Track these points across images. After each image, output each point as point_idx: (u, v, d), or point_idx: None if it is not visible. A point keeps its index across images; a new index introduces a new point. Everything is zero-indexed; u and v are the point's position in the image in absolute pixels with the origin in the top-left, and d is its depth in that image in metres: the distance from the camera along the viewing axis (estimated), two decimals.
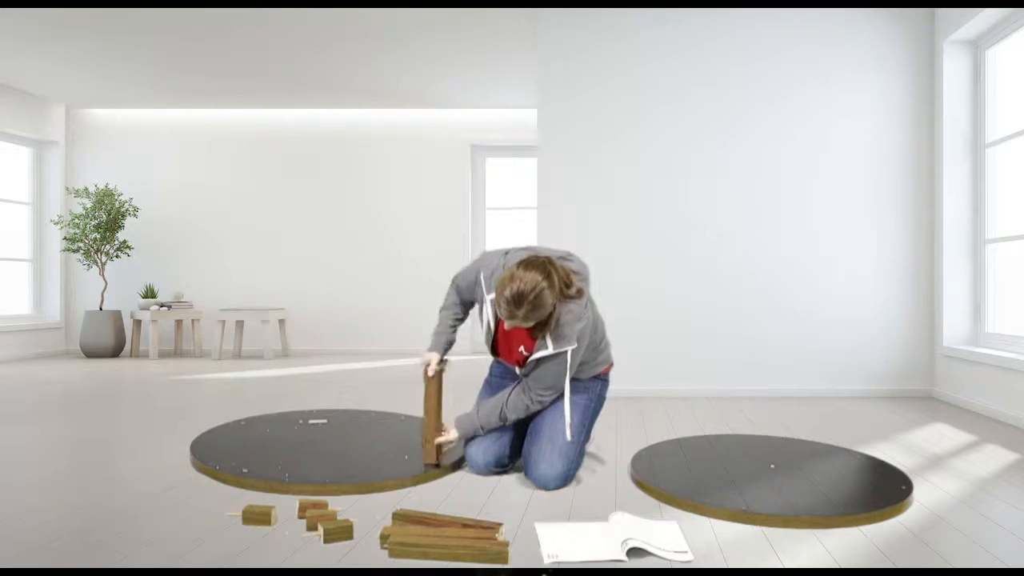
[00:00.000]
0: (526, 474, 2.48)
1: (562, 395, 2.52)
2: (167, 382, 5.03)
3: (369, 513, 2.15)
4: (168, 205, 7.14)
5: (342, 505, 2.23)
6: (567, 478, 2.44)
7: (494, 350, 2.65)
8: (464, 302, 2.72)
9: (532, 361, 2.44)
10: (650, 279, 4.50)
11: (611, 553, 1.81)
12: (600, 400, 2.69)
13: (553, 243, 4.52)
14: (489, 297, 2.50)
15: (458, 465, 2.64)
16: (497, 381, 2.78)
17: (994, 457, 2.90)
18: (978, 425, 3.55)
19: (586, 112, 4.53)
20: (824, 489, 2.34)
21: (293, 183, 7.10)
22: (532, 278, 2.24)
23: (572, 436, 2.48)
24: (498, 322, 2.56)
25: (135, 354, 6.80)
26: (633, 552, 1.83)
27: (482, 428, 2.55)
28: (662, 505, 2.26)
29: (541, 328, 2.39)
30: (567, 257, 2.48)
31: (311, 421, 3.33)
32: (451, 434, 2.58)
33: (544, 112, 4.55)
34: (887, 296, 4.45)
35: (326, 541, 1.89)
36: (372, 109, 7.03)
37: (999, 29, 4.02)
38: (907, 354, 4.44)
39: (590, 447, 3.06)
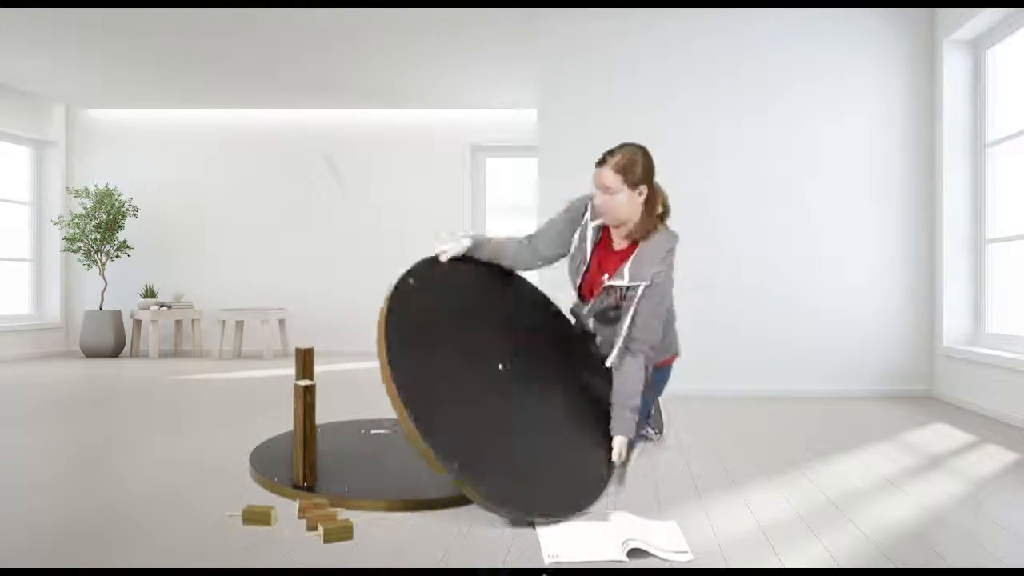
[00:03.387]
0: None
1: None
2: (167, 382, 5.03)
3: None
4: (168, 205, 7.13)
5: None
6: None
7: (580, 288, 2.66)
8: (531, 255, 2.68)
9: (607, 287, 2.49)
10: None
11: (611, 553, 1.81)
12: (658, 390, 2.72)
13: None
14: (594, 224, 2.61)
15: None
16: None
17: (994, 457, 2.90)
18: (978, 425, 3.55)
19: (586, 112, 4.53)
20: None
21: (293, 183, 7.10)
22: (633, 147, 2.54)
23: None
24: (593, 254, 2.61)
25: (135, 354, 6.80)
26: (633, 553, 1.83)
27: (633, 415, 2.45)
28: (662, 505, 2.26)
29: (629, 228, 2.52)
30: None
31: (373, 431, 3.13)
32: (625, 445, 2.43)
33: (544, 112, 4.55)
34: (887, 296, 4.45)
35: (326, 541, 1.89)
36: (372, 109, 7.02)
37: (999, 29, 4.02)
38: (907, 354, 4.44)
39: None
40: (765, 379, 4.47)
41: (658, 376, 2.70)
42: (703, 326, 4.48)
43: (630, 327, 2.45)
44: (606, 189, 2.50)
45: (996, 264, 4.14)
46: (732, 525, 2.07)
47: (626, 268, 2.45)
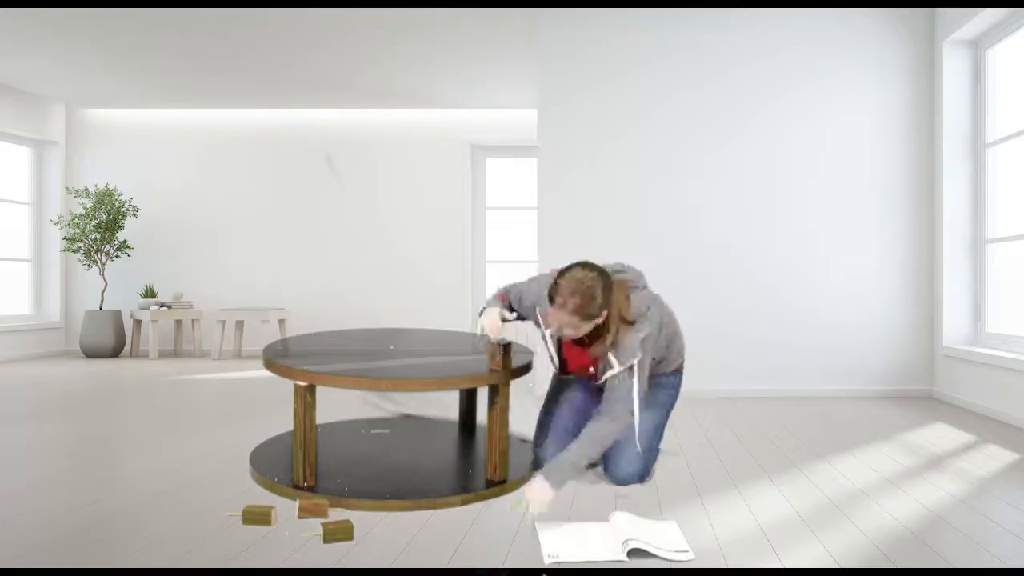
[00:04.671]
0: (604, 471, 2.55)
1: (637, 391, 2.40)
2: (167, 382, 5.03)
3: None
4: (168, 205, 7.13)
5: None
6: (646, 474, 2.53)
7: (563, 369, 2.62)
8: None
9: (607, 380, 2.35)
10: (650, 279, 4.48)
11: (611, 553, 1.81)
12: (676, 395, 2.73)
13: (553, 243, 4.52)
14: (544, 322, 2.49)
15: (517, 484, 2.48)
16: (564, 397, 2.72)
17: (994, 457, 2.90)
18: (978, 425, 3.55)
19: (586, 112, 4.53)
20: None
21: (293, 183, 7.10)
22: (588, 274, 2.25)
23: (648, 436, 2.55)
24: (561, 345, 2.54)
25: (135, 354, 6.80)
26: (634, 552, 1.83)
27: (582, 465, 2.25)
28: (662, 505, 2.26)
29: (599, 342, 2.33)
30: (620, 268, 2.51)
31: (373, 431, 3.14)
32: (544, 495, 2.11)
33: (544, 112, 4.55)
34: (887, 296, 4.45)
35: (326, 541, 1.89)
36: (372, 109, 7.02)
37: (999, 29, 4.02)
38: (907, 354, 4.44)
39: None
40: (765, 379, 4.47)
41: (672, 380, 2.73)
42: (704, 327, 4.48)
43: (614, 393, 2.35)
44: (563, 327, 2.28)
45: (996, 264, 4.14)
46: (732, 525, 2.07)
47: (612, 359, 2.31)
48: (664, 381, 2.70)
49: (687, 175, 4.49)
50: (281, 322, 6.82)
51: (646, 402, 2.53)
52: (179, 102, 6.83)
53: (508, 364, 2.43)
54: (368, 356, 2.64)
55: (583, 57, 4.54)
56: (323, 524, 1.92)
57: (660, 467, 2.73)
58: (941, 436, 3.29)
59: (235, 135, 7.11)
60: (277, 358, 2.47)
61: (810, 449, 3.02)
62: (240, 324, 6.75)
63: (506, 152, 7.16)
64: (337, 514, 2.14)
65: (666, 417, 2.69)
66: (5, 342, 6.38)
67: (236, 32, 4.94)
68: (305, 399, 2.32)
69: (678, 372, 2.76)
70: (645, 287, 2.55)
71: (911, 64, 4.45)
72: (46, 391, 4.59)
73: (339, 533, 1.91)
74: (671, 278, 4.50)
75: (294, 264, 7.09)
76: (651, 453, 2.56)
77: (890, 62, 4.46)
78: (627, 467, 2.48)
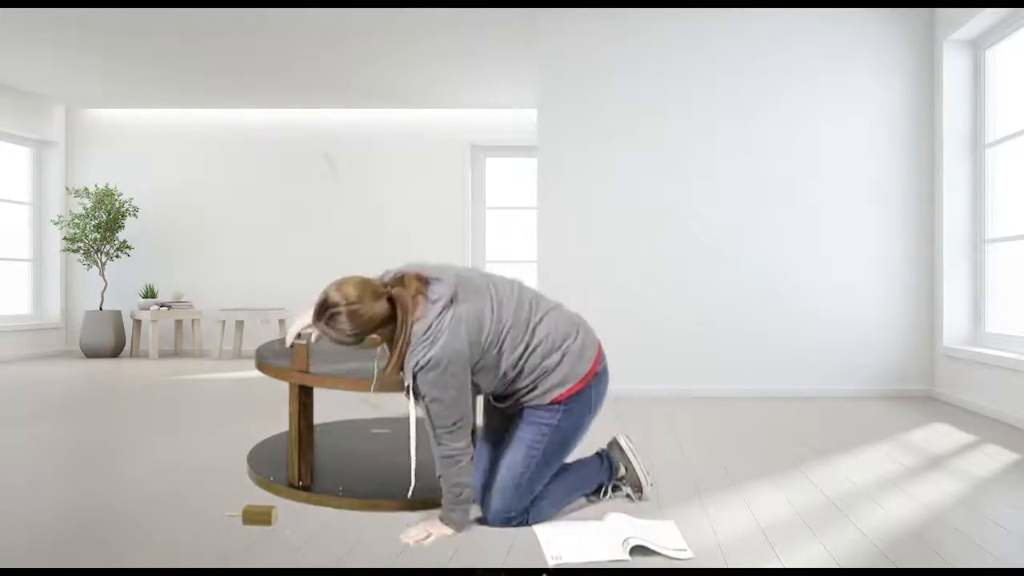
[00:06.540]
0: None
1: (517, 428, 2.14)
2: (167, 382, 5.03)
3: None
4: (168, 205, 7.13)
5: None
6: (505, 517, 2.06)
7: None
8: None
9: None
10: (650, 279, 4.50)
11: (614, 553, 1.81)
12: (559, 432, 2.09)
13: (553, 243, 4.52)
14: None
15: None
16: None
17: (994, 457, 2.90)
18: (978, 425, 3.55)
19: (586, 112, 4.53)
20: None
21: (293, 183, 7.10)
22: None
23: (506, 474, 2.08)
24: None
25: (135, 354, 6.80)
26: (635, 551, 1.83)
27: (458, 506, 1.99)
28: (662, 505, 2.26)
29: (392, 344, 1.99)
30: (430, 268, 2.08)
31: (373, 431, 3.13)
32: (444, 531, 1.99)
33: (544, 112, 4.55)
34: (887, 296, 4.45)
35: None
36: (372, 109, 7.02)
37: (999, 29, 4.02)
38: (907, 354, 4.44)
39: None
40: (765, 379, 4.47)
41: (547, 415, 2.10)
42: (703, 326, 4.48)
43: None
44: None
45: (996, 264, 4.14)
46: (732, 525, 2.07)
47: (406, 366, 2.01)
48: (536, 416, 2.09)
49: (687, 175, 4.49)
50: (281, 322, 6.82)
51: (513, 437, 2.12)
52: (179, 102, 6.83)
53: None
54: (359, 356, 2.63)
55: (583, 57, 4.54)
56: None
57: (661, 467, 2.72)
58: (941, 436, 3.29)
59: (235, 135, 7.11)
60: (268, 359, 2.47)
61: (810, 449, 3.02)
62: (240, 324, 6.74)
63: (506, 152, 7.16)
64: (337, 513, 2.14)
65: (533, 459, 2.08)
66: (5, 342, 6.38)
67: (236, 32, 4.94)
68: (300, 399, 2.33)
69: (563, 404, 2.09)
70: (447, 283, 2.01)
71: (911, 64, 4.45)
72: (46, 391, 4.59)
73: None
74: (671, 278, 4.50)
75: (294, 264, 7.09)
76: (511, 493, 2.06)
77: (890, 62, 4.46)
78: (487, 507, 2.09)
